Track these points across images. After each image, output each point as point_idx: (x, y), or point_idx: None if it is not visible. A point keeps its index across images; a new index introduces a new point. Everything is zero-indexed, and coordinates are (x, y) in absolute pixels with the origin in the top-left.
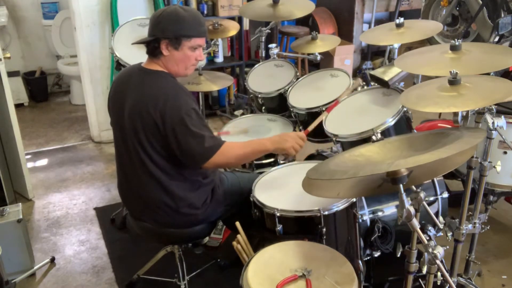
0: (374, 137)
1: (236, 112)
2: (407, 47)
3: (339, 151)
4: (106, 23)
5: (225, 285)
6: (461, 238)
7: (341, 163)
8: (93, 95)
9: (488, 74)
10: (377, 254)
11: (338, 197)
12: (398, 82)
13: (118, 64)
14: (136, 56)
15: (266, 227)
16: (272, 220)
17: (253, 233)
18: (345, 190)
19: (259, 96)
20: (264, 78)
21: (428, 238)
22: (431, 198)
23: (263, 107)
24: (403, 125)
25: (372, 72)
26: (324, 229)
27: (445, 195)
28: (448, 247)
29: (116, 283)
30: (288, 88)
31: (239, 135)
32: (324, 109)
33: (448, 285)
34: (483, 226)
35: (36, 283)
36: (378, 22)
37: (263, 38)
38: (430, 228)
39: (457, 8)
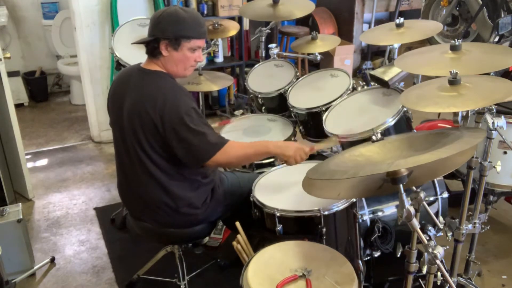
0: (374, 137)
1: (236, 112)
2: (407, 47)
3: (339, 151)
4: (106, 23)
5: (225, 285)
6: (461, 238)
7: (341, 163)
8: (93, 95)
9: (488, 74)
10: (377, 254)
11: (338, 197)
12: (398, 82)
13: (118, 64)
14: (136, 56)
15: (266, 227)
16: (272, 220)
17: (253, 233)
18: (345, 190)
19: (259, 96)
20: (264, 78)
21: (428, 238)
22: (431, 198)
23: (263, 107)
24: (403, 125)
25: (372, 72)
26: (324, 229)
27: (445, 195)
28: (448, 247)
29: (116, 283)
30: (288, 88)
31: (239, 134)
32: (324, 109)
33: (448, 285)
34: (483, 226)
35: (36, 283)
36: (378, 22)
37: (263, 38)
38: (430, 228)
39: (457, 8)
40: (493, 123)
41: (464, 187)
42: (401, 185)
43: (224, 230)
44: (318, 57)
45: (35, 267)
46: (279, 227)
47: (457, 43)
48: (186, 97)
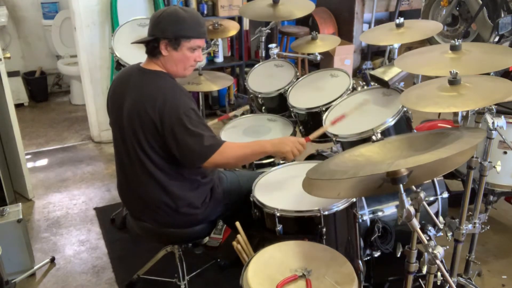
0: (374, 137)
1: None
2: (407, 47)
3: (339, 151)
4: (106, 23)
5: (225, 285)
6: (461, 238)
7: (341, 163)
8: (93, 95)
9: (488, 74)
10: (377, 254)
11: (338, 197)
12: (398, 82)
13: (118, 64)
14: (136, 56)
15: (266, 227)
16: (272, 220)
17: (253, 233)
18: (345, 190)
19: (259, 96)
20: (264, 78)
21: (428, 238)
22: (431, 198)
23: (263, 107)
24: (403, 125)
25: (372, 72)
26: (324, 229)
27: (445, 195)
28: (448, 247)
29: (116, 283)
30: (288, 88)
31: (239, 134)
32: (324, 109)
33: (448, 285)
34: (483, 226)
35: (36, 283)
36: (378, 22)
37: (263, 38)
38: (430, 228)
39: (457, 8)
40: (493, 123)
41: (464, 187)
42: (401, 185)
43: (224, 230)
44: (318, 57)
45: (35, 267)
46: (279, 227)
47: (457, 43)
48: (185, 97)
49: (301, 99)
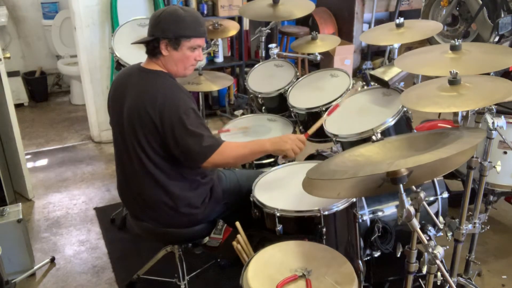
0: (374, 137)
1: (236, 112)
2: (407, 47)
3: (339, 151)
4: (106, 23)
5: (225, 285)
6: (461, 238)
7: (341, 163)
8: (93, 95)
9: (488, 74)
10: (377, 254)
11: (338, 197)
12: (398, 82)
13: (118, 64)
14: (136, 56)
15: (266, 227)
16: (272, 220)
17: (253, 233)
18: (345, 190)
19: (259, 96)
20: (264, 78)
21: (428, 238)
22: (431, 198)
23: (263, 107)
24: (403, 125)
25: (372, 72)
26: (324, 229)
27: (445, 195)
28: (448, 247)
29: (116, 283)
30: (288, 88)
31: (238, 134)
32: (324, 109)
33: (448, 285)
34: (483, 226)
35: (36, 283)
36: (378, 22)
37: (263, 38)
38: (430, 228)
39: (457, 8)
40: (493, 123)
41: (464, 187)
42: (401, 185)
43: (224, 230)
44: (318, 57)
45: (35, 267)
46: (279, 227)
47: (457, 43)
48: (185, 97)
49: (301, 99)
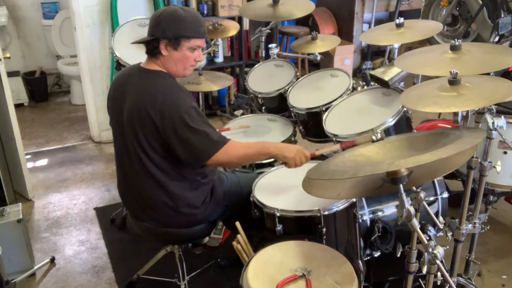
0: (374, 137)
1: (236, 112)
2: (407, 47)
3: (339, 151)
4: (106, 23)
5: (225, 285)
6: (461, 238)
7: (341, 163)
8: (93, 95)
9: (488, 74)
10: (377, 254)
11: (338, 197)
12: (398, 82)
13: (118, 64)
14: (136, 56)
15: (266, 227)
16: (272, 220)
17: (253, 233)
18: (345, 190)
19: (259, 96)
20: (264, 78)
21: (428, 238)
22: (431, 198)
23: (263, 107)
24: (403, 125)
25: (372, 72)
26: (324, 229)
27: (445, 195)
28: (448, 247)
29: (116, 283)
30: (288, 88)
31: (239, 134)
32: (324, 109)
33: (448, 285)
34: (483, 226)
35: (36, 283)
36: (378, 22)
37: (263, 38)
38: (430, 228)
39: (457, 8)
40: (493, 123)
41: (464, 187)
42: (401, 185)
43: (224, 230)
44: (318, 57)
45: (35, 267)
46: (279, 227)
47: (457, 43)
48: (186, 97)
49: (301, 99)
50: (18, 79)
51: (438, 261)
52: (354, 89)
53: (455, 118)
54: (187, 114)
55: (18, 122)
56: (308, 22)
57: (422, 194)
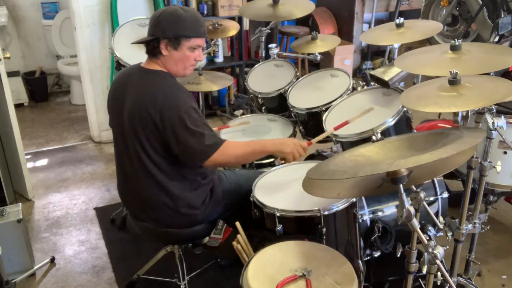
0: (374, 137)
1: (236, 112)
2: (407, 47)
3: (339, 151)
4: (106, 23)
5: (225, 285)
6: (461, 238)
7: (341, 163)
8: (93, 95)
9: (488, 74)
10: (377, 254)
11: (338, 197)
12: (398, 82)
13: (118, 64)
14: (136, 56)
15: (266, 227)
16: (272, 220)
17: (253, 233)
18: (345, 190)
19: (259, 96)
20: (264, 78)
21: (428, 238)
22: (431, 198)
23: (263, 107)
24: (403, 125)
25: (372, 72)
26: (324, 229)
27: (445, 195)
28: (448, 247)
29: (116, 283)
30: (288, 88)
31: (238, 133)
32: (324, 109)
33: (448, 285)
34: (483, 226)
35: (36, 283)
36: (378, 22)
37: (263, 38)
38: (430, 228)
39: (457, 8)
40: (493, 123)
41: (464, 187)
42: (401, 185)
43: (224, 230)
44: (318, 57)
45: (35, 267)
46: (279, 227)
47: (457, 43)
48: (186, 97)
49: (301, 99)
50: (18, 79)
51: (438, 261)
52: (354, 89)
53: (455, 118)
54: (186, 115)
55: (18, 122)
56: (308, 22)
57: (422, 194)
